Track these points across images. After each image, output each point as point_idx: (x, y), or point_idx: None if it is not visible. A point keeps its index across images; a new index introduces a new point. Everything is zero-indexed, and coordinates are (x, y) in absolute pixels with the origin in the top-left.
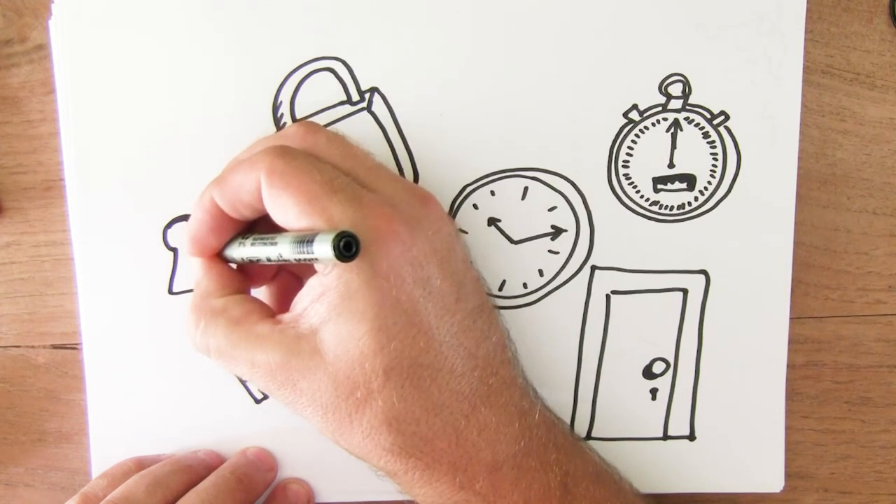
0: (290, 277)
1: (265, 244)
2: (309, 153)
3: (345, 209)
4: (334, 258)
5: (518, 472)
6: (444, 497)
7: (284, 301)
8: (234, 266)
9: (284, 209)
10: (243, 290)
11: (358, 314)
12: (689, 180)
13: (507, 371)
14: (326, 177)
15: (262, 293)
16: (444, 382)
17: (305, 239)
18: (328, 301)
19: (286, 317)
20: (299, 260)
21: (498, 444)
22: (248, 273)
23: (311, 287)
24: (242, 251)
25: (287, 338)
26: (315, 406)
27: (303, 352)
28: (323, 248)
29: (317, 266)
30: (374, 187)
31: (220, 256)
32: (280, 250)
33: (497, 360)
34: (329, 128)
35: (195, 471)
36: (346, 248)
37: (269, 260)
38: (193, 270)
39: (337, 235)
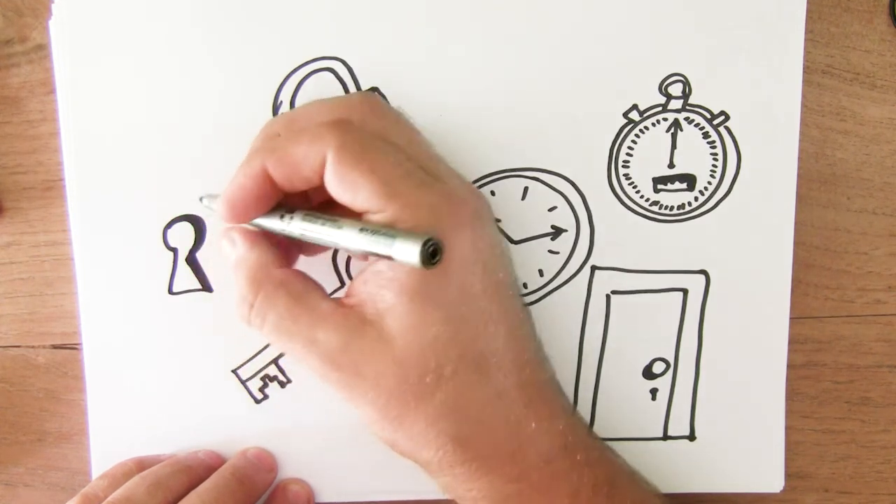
0: (293, 244)
1: (323, 224)
2: (378, 133)
3: (420, 195)
4: (420, 264)
5: (569, 465)
6: (497, 490)
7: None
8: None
9: (354, 188)
10: (292, 264)
11: (433, 300)
12: (689, 180)
13: (549, 369)
14: (398, 159)
15: None
16: (507, 372)
17: (382, 233)
18: (399, 286)
19: (350, 300)
20: (367, 253)
21: (551, 437)
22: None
23: (376, 272)
24: (290, 226)
25: (352, 320)
26: (378, 391)
27: (367, 335)
28: (406, 251)
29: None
30: (442, 175)
31: (252, 228)
32: (342, 237)
33: (539, 356)
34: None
35: (195, 472)
36: (433, 254)
37: (318, 241)
38: (235, 242)
39: (426, 242)
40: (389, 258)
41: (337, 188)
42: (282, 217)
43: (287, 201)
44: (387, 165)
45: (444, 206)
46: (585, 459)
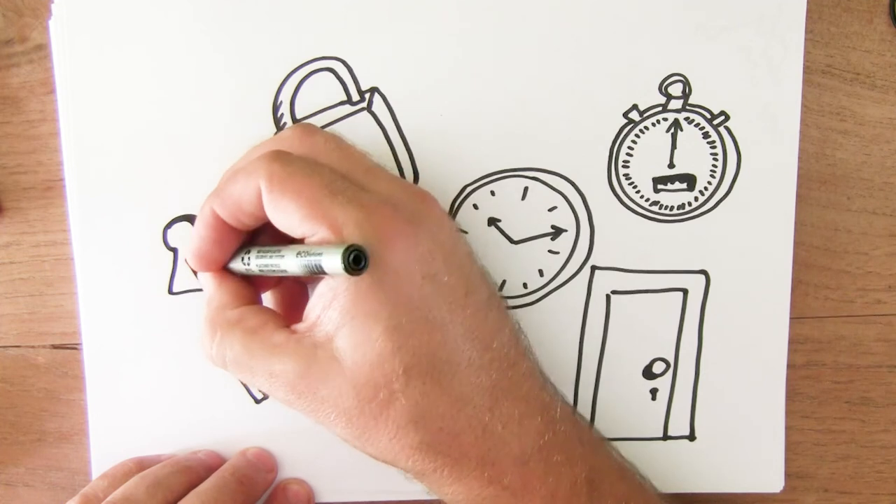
0: (294, 283)
1: (271, 257)
2: (307, 157)
3: (347, 211)
4: (344, 272)
5: (545, 465)
6: (474, 493)
7: (290, 306)
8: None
9: (286, 214)
10: (255, 300)
11: (371, 316)
12: (689, 180)
13: (524, 363)
14: (326, 179)
15: (267, 300)
16: (465, 376)
17: (312, 253)
18: (340, 306)
19: (301, 326)
20: (308, 273)
21: (524, 438)
22: (256, 283)
23: (320, 294)
24: (248, 262)
25: (304, 347)
26: (338, 413)
27: (320, 360)
28: (332, 263)
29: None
30: (374, 188)
31: (226, 268)
32: (286, 265)
33: (513, 351)
34: (327, 129)
35: (196, 472)
36: (356, 261)
37: (275, 273)
38: (204, 285)
39: (346, 250)
40: (323, 275)
41: (274, 216)
42: (242, 259)
43: (259, 238)
44: (314, 187)
45: (373, 218)
46: (565, 458)
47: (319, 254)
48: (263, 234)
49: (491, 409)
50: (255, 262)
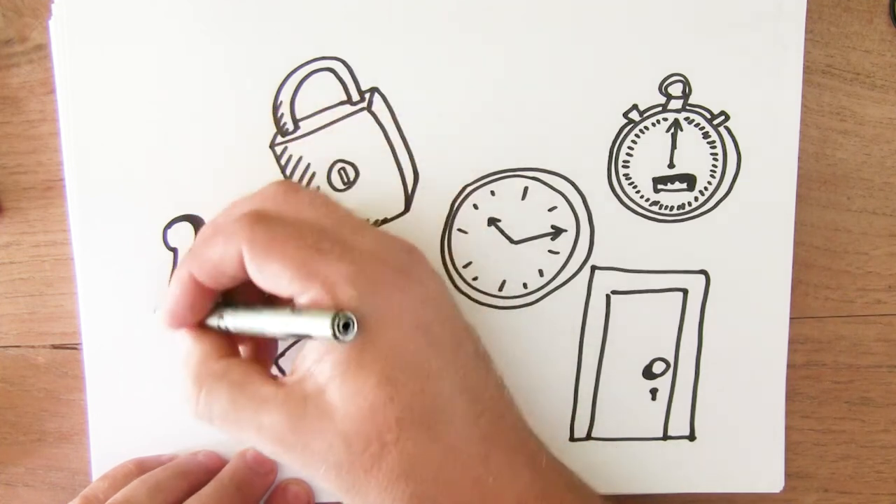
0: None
1: (248, 319)
2: (290, 216)
3: (338, 268)
4: (334, 340)
5: None
6: None
7: (264, 357)
8: None
9: (273, 277)
10: (236, 352)
11: (364, 368)
12: (689, 180)
13: (511, 414)
14: (313, 239)
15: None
16: (456, 428)
17: (297, 323)
18: (332, 359)
19: (290, 378)
20: (294, 338)
21: (516, 487)
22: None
23: (312, 347)
24: (224, 326)
25: (293, 399)
26: (328, 466)
27: (310, 413)
28: (320, 331)
29: None
30: (360, 243)
31: (202, 323)
32: (269, 328)
33: (501, 403)
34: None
35: (196, 476)
36: (345, 328)
37: (254, 334)
38: (181, 342)
39: (333, 319)
40: (310, 338)
41: (259, 280)
42: (218, 317)
43: (236, 297)
44: (299, 248)
45: (363, 273)
46: None
47: (306, 323)
48: (237, 288)
49: (484, 460)
50: (232, 325)
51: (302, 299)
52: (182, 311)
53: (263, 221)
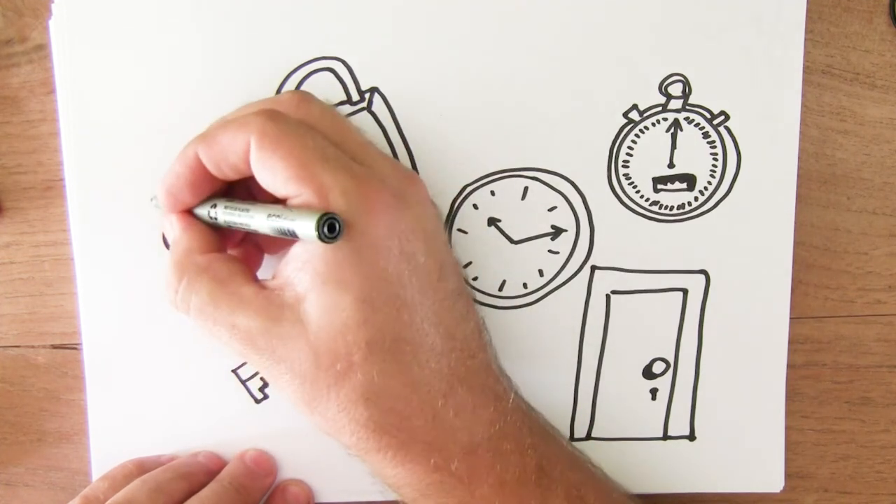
0: (255, 246)
1: (239, 214)
2: (301, 121)
3: (336, 178)
4: (317, 239)
5: (494, 454)
6: (418, 478)
7: (252, 265)
8: None
9: (273, 173)
10: (223, 249)
11: (344, 284)
12: (689, 180)
13: (483, 355)
14: (319, 144)
15: None
16: (424, 360)
17: (285, 216)
18: (313, 269)
19: (271, 283)
20: (278, 234)
21: (474, 426)
22: (220, 235)
23: (295, 255)
24: (215, 215)
25: (271, 304)
26: (293, 375)
27: (285, 320)
28: (305, 228)
29: None
30: (364, 161)
31: (192, 214)
32: (255, 224)
33: (474, 343)
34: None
35: (196, 477)
36: (330, 229)
37: (241, 228)
38: (171, 226)
39: (320, 217)
40: (294, 238)
41: (260, 173)
42: (208, 211)
43: (234, 190)
44: (305, 150)
45: (360, 188)
46: (515, 447)
47: (293, 219)
48: (235, 188)
49: (445, 396)
50: (221, 216)
51: (295, 201)
52: (180, 189)
53: (276, 118)
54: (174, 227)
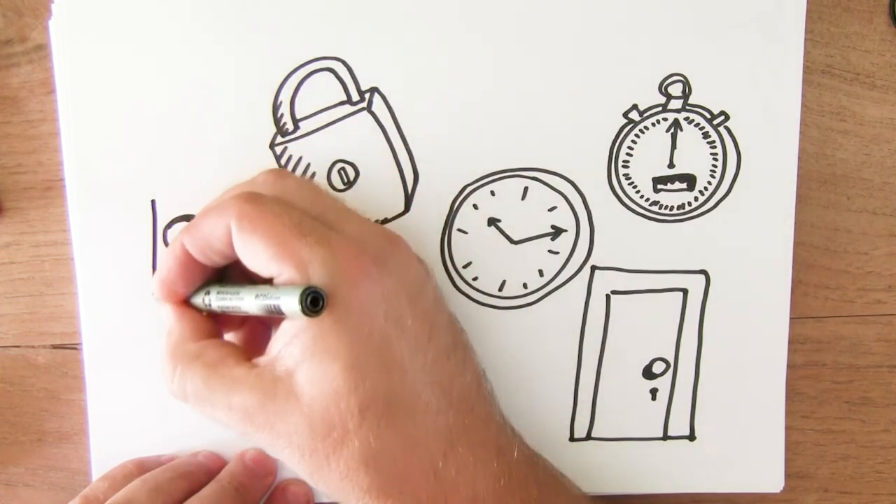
0: (259, 323)
1: (230, 298)
2: (278, 198)
3: (314, 251)
4: (301, 314)
5: None
6: None
7: (255, 347)
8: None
9: (255, 253)
10: (216, 335)
11: (331, 353)
12: (689, 180)
13: (483, 408)
14: (295, 220)
15: (232, 340)
16: (420, 420)
17: (270, 295)
18: (301, 342)
19: (262, 360)
20: (268, 314)
21: (477, 483)
22: (219, 319)
23: (284, 330)
24: (209, 302)
25: (263, 381)
26: (292, 448)
27: (279, 395)
28: (289, 305)
29: None
30: (343, 229)
31: (188, 303)
32: (246, 306)
33: (473, 397)
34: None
35: (196, 477)
36: (313, 303)
37: (235, 312)
38: (165, 318)
39: (303, 291)
40: (283, 316)
41: (243, 255)
42: (203, 298)
43: (228, 274)
44: (283, 227)
45: (339, 258)
46: (521, 502)
47: (278, 297)
48: (231, 272)
49: (445, 454)
50: (215, 303)
51: (279, 280)
52: (171, 281)
53: (253, 200)
54: (168, 318)
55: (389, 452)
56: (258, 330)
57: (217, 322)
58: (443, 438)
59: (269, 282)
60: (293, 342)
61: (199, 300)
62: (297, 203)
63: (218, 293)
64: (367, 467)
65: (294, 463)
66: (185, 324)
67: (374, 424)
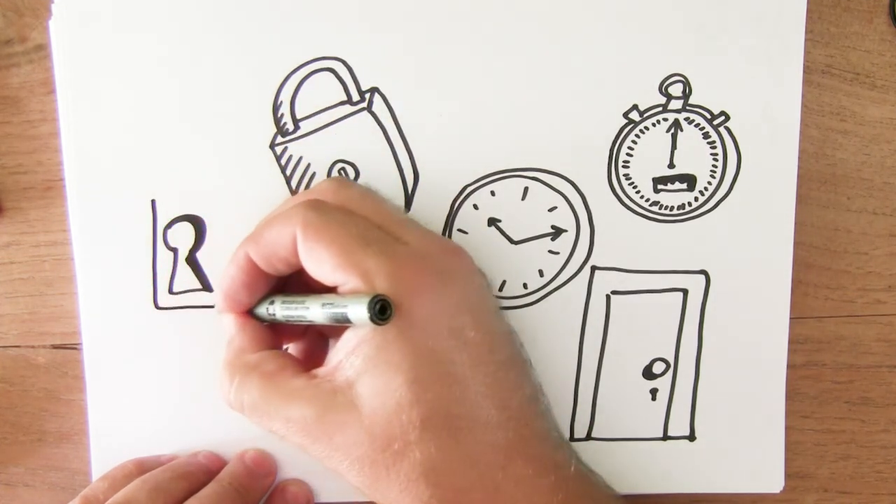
0: (317, 336)
1: (296, 308)
2: (342, 206)
3: (379, 262)
4: (369, 322)
5: None
6: None
7: (313, 359)
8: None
9: (319, 262)
10: (276, 346)
11: (393, 365)
12: (690, 180)
13: (540, 424)
14: (360, 230)
15: (290, 351)
16: (480, 434)
17: (338, 304)
18: (363, 353)
19: (321, 371)
20: (333, 322)
21: (535, 497)
22: (278, 330)
23: (346, 340)
24: (273, 311)
25: (322, 392)
26: (351, 460)
27: (338, 405)
28: (357, 312)
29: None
30: (406, 240)
31: (250, 313)
32: (311, 315)
33: (530, 412)
34: (359, 182)
35: (196, 477)
36: (381, 311)
37: (299, 322)
38: (226, 327)
39: (372, 300)
40: (349, 324)
41: (307, 263)
42: (266, 308)
43: (289, 284)
44: (348, 237)
45: (404, 269)
46: None
47: (345, 305)
48: (291, 282)
49: (504, 468)
50: (280, 312)
51: (344, 289)
52: (236, 291)
53: (318, 208)
54: (229, 329)
55: (450, 465)
56: (316, 342)
57: (278, 333)
58: (502, 452)
59: (331, 291)
60: (355, 352)
61: (263, 310)
62: (360, 212)
63: (283, 302)
64: (427, 479)
65: (352, 475)
66: (245, 334)
67: (435, 437)
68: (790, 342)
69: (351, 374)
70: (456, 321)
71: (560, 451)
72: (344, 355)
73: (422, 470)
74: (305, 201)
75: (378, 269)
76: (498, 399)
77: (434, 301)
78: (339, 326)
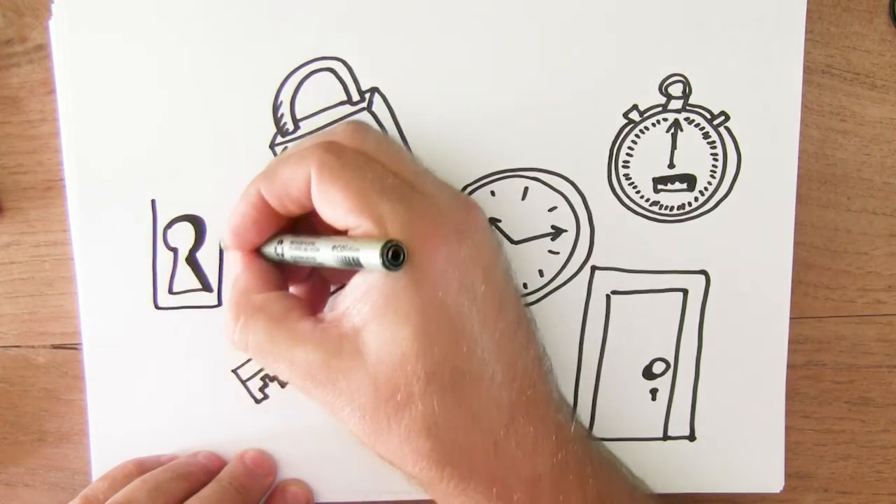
0: (321, 280)
1: (305, 248)
2: (359, 150)
3: (394, 208)
4: (381, 267)
5: (555, 485)
6: None
7: (313, 303)
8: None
9: (333, 205)
10: (282, 286)
11: (402, 316)
12: (690, 180)
13: (543, 385)
14: (376, 175)
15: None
16: (485, 391)
17: (350, 246)
18: (372, 301)
19: (328, 315)
20: (343, 265)
21: (536, 457)
22: (284, 271)
23: (355, 285)
24: (281, 251)
25: (329, 337)
26: (353, 407)
27: (344, 351)
28: (370, 256)
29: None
30: (422, 190)
31: (258, 252)
32: (321, 257)
33: (535, 373)
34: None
35: (196, 477)
36: (394, 256)
37: (307, 263)
38: (232, 265)
39: (385, 244)
40: (359, 268)
41: (321, 205)
42: (275, 248)
43: (298, 226)
44: (364, 181)
45: (419, 219)
46: (576, 478)
47: (357, 248)
48: (300, 226)
49: (506, 427)
50: (288, 252)
51: (355, 232)
52: (245, 228)
53: (335, 150)
54: (234, 267)
55: (452, 420)
56: (319, 288)
57: (284, 275)
58: (505, 411)
59: (342, 234)
60: (364, 299)
61: (271, 249)
62: (377, 159)
63: (292, 242)
64: (428, 432)
65: (354, 422)
66: (252, 273)
67: (439, 391)
68: (790, 342)
69: (358, 321)
70: (468, 277)
71: (561, 413)
72: (352, 301)
73: (423, 423)
74: (322, 142)
75: (393, 216)
76: (504, 358)
77: (448, 254)
78: (345, 272)
